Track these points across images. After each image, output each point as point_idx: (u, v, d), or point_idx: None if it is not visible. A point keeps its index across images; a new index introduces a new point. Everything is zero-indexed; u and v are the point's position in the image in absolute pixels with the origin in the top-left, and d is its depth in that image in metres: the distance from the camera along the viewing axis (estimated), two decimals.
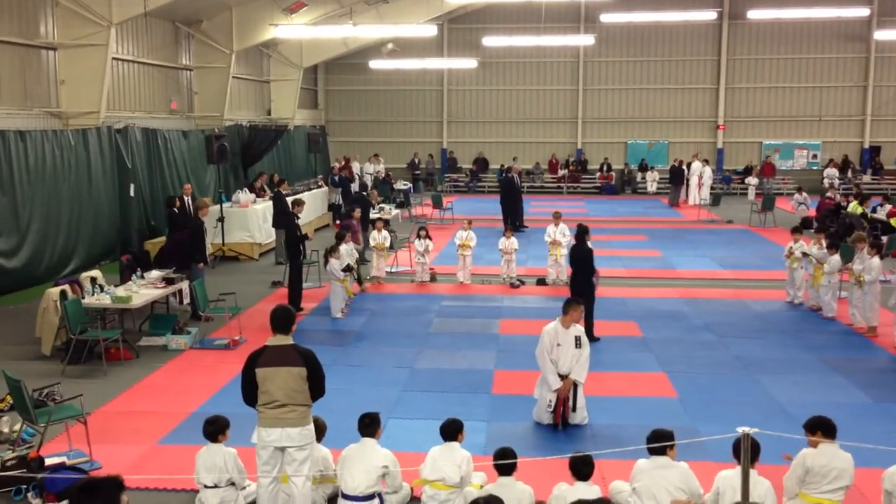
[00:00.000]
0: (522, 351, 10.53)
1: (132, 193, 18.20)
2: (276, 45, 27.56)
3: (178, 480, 6.91)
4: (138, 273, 12.19)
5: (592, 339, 11.08)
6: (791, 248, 13.95)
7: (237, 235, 18.33)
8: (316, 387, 6.12)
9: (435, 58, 32.15)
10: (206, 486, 6.72)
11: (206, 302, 12.39)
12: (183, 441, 7.92)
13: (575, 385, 8.36)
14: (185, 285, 12.47)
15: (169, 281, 12.06)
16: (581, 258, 11.87)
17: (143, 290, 11.64)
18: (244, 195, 19.60)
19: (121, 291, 11.40)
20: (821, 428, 6.23)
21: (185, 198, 16.80)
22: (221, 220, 17.79)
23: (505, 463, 6.32)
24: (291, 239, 13.47)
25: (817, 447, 6.19)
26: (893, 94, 31.96)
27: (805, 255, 13.61)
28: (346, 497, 6.41)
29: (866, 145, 32.76)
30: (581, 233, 12.07)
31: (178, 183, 19.65)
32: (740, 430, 5.19)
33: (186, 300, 13.00)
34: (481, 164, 33.85)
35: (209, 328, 12.17)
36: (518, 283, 15.50)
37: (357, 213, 17.44)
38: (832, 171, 31.07)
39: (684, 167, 29.64)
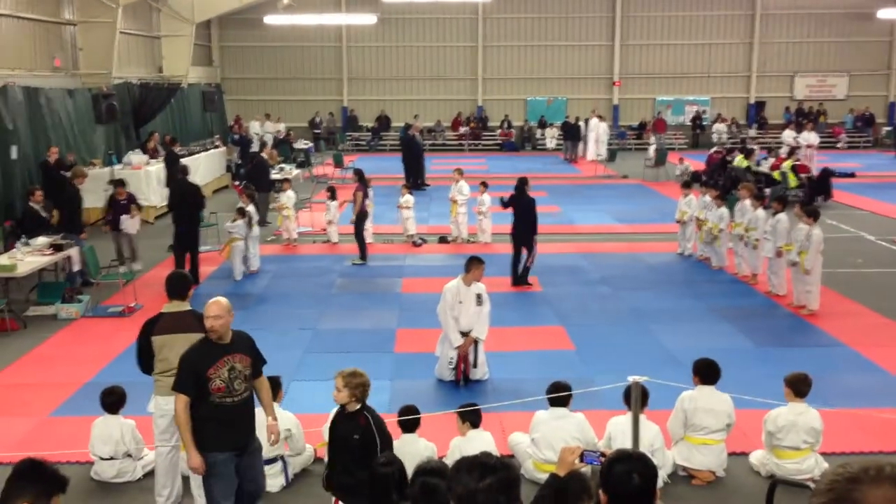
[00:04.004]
0: (424, 309, 10.62)
1: (14, 156, 17.22)
2: None
3: (72, 454, 6.72)
4: (23, 240, 11.62)
5: (525, 282, 12.41)
6: (680, 205, 14.51)
7: None
8: None
9: (333, 13, 31.47)
10: (101, 458, 6.59)
11: (98, 268, 11.97)
12: (76, 412, 7.69)
13: (476, 342, 8.52)
14: (74, 252, 11.97)
15: (57, 248, 11.56)
16: (523, 209, 12.38)
17: (29, 257, 11.13)
18: (136, 156, 18.86)
19: (4, 259, 10.88)
20: (700, 372, 6.58)
21: (49, 160, 15.68)
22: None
23: (408, 419, 6.42)
24: (171, 203, 12.85)
25: (696, 390, 6.54)
26: (777, 50, 33.30)
27: (698, 219, 14.04)
28: None
29: (752, 101, 34.12)
30: (521, 183, 12.43)
31: (65, 145, 18.69)
32: (631, 378, 5.45)
33: (76, 267, 12.46)
34: (383, 122, 33.53)
35: (102, 295, 11.76)
36: (420, 241, 15.56)
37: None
38: (720, 127, 32.31)
39: (581, 123, 30.19)
